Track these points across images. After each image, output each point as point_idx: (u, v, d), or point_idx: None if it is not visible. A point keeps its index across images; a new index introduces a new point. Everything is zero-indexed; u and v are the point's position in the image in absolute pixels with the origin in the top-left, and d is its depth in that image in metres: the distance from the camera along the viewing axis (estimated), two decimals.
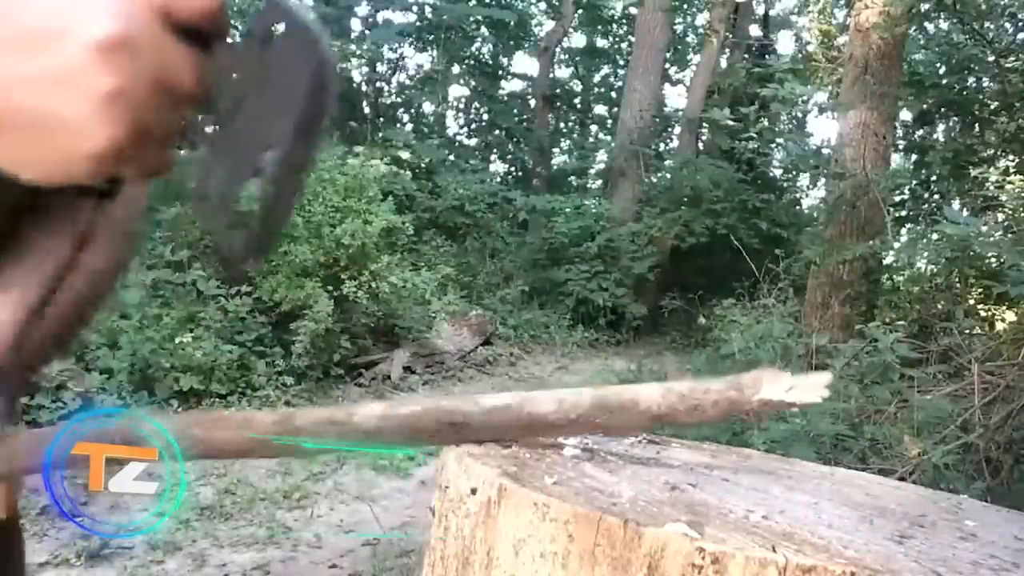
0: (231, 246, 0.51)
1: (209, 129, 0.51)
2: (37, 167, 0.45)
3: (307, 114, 0.48)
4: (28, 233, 0.68)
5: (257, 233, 0.51)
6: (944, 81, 6.61)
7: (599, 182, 15.25)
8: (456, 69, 16.10)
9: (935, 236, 4.80)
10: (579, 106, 17.72)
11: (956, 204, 7.36)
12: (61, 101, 0.43)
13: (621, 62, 16.46)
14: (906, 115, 8.01)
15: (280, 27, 0.48)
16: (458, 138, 16.30)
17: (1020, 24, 6.44)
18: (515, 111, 16.46)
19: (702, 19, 15.54)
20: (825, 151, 8.47)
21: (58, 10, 0.43)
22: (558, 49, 16.11)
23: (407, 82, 15.54)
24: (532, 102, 16.15)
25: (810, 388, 0.53)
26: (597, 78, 17.99)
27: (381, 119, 13.76)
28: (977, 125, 7.19)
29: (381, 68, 14.70)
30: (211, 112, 0.50)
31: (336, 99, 0.49)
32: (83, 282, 0.73)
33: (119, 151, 0.45)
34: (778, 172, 13.71)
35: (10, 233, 0.67)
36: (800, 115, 13.46)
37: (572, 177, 16.32)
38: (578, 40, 17.50)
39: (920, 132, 8.90)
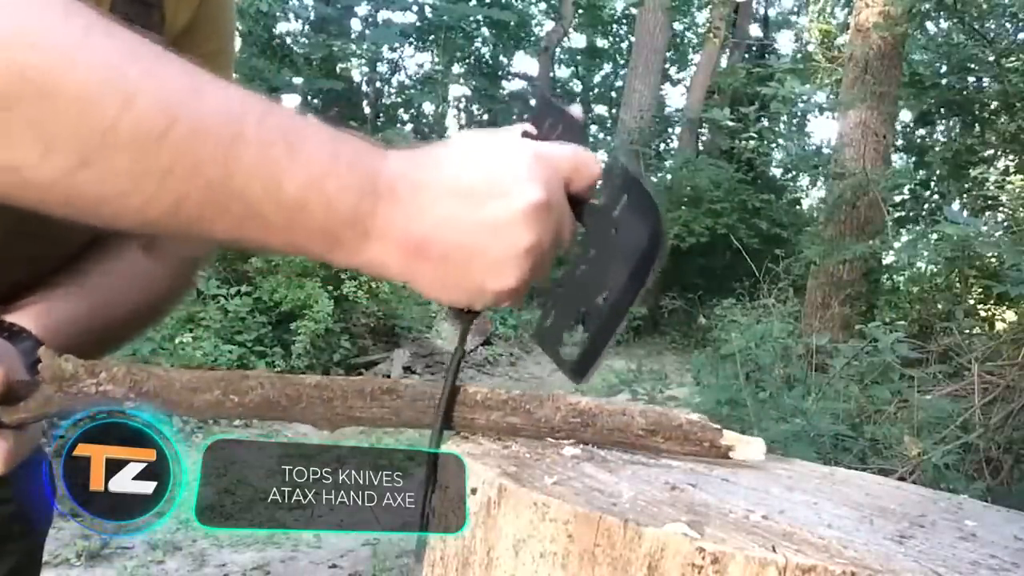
0: (560, 365, 0.60)
1: (561, 272, 0.61)
2: (449, 294, 0.54)
3: (641, 267, 0.56)
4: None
5: (581, 357, 0.59)
6: (944, 81, 6.60)
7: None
8: (456, 69, 16.11)
9: (935, 236, 4.80)
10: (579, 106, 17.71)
11: (956, 204, 7.35)
12: (490, 246, 0.52)
13: (621, 62, 16.46)
14: (906, 115, 8.01)
15: (628, 192, 0.56)
16: None
17: (1020, 24, 6.43)
18: (515, 111, 16.46)
19: (702, 19, 15.54)
20: (825, 151, 8.47)
21: (503, 174, 0.52)
22: (558, 49, 16.11)
23: (407, 82, 15.56)
24: (532, 102, 16.15)
25: (744, 446, 0.58)
26: (597, 78, 18.00)
27: (381, 119, 13.77)
28: (977, 125, 7.19)
29: (381, 68, 14.71)
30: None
31: (664, 256, 0.58)
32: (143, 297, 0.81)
33: (517, 291, 0.54)
34: (778, 172, 13.71)
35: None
36: (800, 115, 13.47)
37: None
38: (578, 40, 17.51)
39: (920, 132, 8.89)
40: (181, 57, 0.48)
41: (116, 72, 0.44)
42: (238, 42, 11.51)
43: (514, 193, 0.52)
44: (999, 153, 6.89)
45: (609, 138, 15.49)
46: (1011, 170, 6.47)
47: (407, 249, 0.51)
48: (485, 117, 16.46)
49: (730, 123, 6.79)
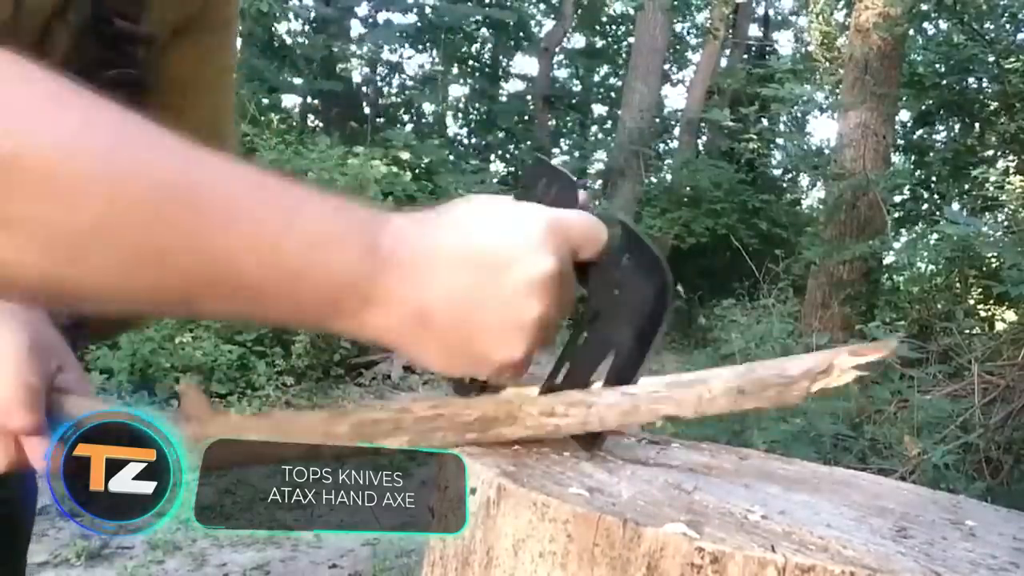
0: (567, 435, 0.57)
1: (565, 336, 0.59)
2: (451, 364, 0.53)
3: (648, 326, 0.54)
4: None
5: None
6: (944, 81, 6.60)
7: (599, 182, 15.26)
8: (456, 69, 16.10)
9: (935, 236, 4.80)
10: (579, 106, 17.71)
11: (956, 204, 7.35)
12: (498, 317, 0.50)
13: (621, 62, 16.45)
14: (906, 115, 8.01)
15: (630, 251, 0.55)
16: (458, 138, 16.30)
17: (1020, 24, 6.43)
18: (515, 111, 16.44)
19: (702, 19, 15.53)
20: (825, 151, 8.47)
21: (515, 242, 0.50)
22: (558, 49, 16.11)
23: (407, 82, 15.55)
24: (532, 102, 16.15)
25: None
26: (597, 78, 17.98)
27: (381, 119, 13.77)
28: (977, 125, 7.19)
29: (381, 69, 14.71)
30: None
31: (671, 314, 0.55)
32: None
33: (522, 363, 0.53)
34: (778, 172, 13.71)
35: None
36: (800, 115, 13.47)
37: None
38: (578, 40, 17.49)
39: (920, 132, 8.89)
40: (170, 132, 0.45)
41: (108, 163, 0.42)
42: (238, 41, 11.51)
43: (526, 263, 0.50)
44: (999, 153, 6.90)
45: (609, 138, 15.48)
46: (1011, 170, 6.47)
47: (410, 318, 0.49)
48: (485, 117, 16.45)
49: (730, 124, 6.80)
